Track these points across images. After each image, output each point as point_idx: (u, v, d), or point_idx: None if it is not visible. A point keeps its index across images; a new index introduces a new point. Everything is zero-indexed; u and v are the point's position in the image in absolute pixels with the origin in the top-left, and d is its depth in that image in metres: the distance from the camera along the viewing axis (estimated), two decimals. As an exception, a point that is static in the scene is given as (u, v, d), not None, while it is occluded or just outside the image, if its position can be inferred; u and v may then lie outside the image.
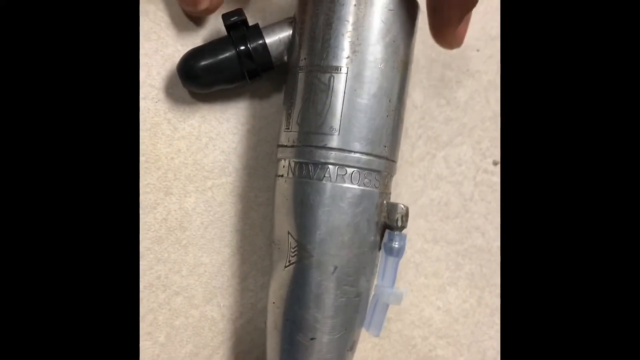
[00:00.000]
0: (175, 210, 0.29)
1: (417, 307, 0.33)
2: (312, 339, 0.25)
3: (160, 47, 0.29)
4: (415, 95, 0.33)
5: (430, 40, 0.33)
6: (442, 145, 0.33)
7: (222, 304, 0.30)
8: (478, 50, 0.33)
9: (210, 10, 0.27)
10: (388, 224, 0.26)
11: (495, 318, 0.34)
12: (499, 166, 0.34)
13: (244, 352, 0.30)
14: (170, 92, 0.29)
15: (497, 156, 0.34)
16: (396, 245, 0.26)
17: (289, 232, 0.25)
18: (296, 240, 0.25)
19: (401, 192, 0.33)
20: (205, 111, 0.29)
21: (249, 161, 0.30)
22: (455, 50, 0.33)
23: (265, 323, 0.27)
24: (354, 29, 0.24)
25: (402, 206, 0.26)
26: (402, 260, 0.32)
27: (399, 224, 0.25)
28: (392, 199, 0.32)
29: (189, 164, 0.29)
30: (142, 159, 0.29)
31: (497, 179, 0.34)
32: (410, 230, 0.33)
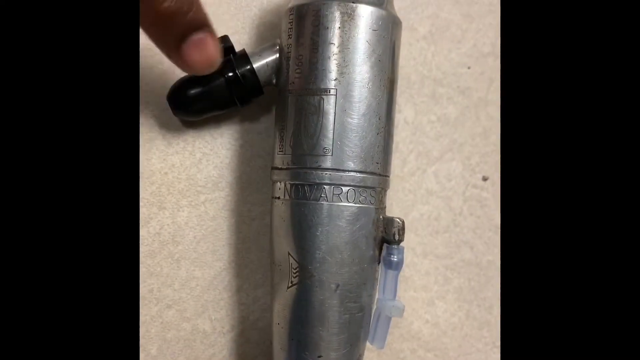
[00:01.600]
0: (168, 225, 0.29)
1: (406, 320, 0.33)
2: (319, 356, 0.25)
3: (156, 64, 0.29)
4: (406, 111, 0.33)
5: (422, 57, 0.34)
6: (433, 160, 0.34)
7: (213, 317, 0.30)
8: (469, 68, 0.34)
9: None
10: (386, 238, 0.26)
11: (484, 331, 0.34)
12: (488, 182, 0.34)
13: (234, 365, 0.31)
14: (164, 107, 0.29)
15: (487, 172, 0.34)
16: (395, 259, 0.26)
17: (289, 253, 0.25)
18: (297, 261, 0.25)
19: (392, 207, 0.33)
20: (199, 127, 0.30)
21: (242, 176, 0.30)
22: (446, 67, 0.34)
23: (271, 343, 0.27)
24: (340, 51, 0.25)
25: (399, 220, 0.26)
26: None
27: (396, 237, 0.26)
28: (383, 214, 0.33)
29: (182, 179, 0.30)
30: (136, 173, 0.29)
31: (486, 194, 0.34)
32: (400, 245, 0.33)
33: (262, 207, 0.31)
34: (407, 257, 0.33)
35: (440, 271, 0.34)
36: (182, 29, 0.23)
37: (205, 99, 0.27)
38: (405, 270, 0.33)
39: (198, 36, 0.23)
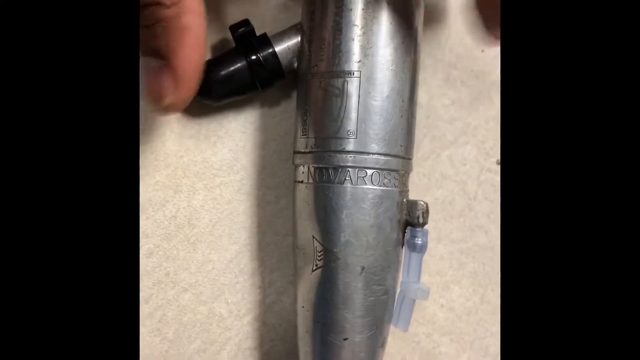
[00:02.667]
0: (184, 208, 0.29)
1: (421, 305, 0.33)
2: (344, 339, 0.25)
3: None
4: (420, 94, 0.33)
5: (435, 40, 0.33)
6: (447, 144, 0.34)
7: (229, 301, 0.30)
8: (483, 51, 0.34)
9: (177, 107, 0.24)
10: (409, 221, 0.26)
11: (498, 316, 0.34)
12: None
13: (251, 349, 0.31)
14: (179, 90, 0.29)
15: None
16: (419, 242, 0.26)
17: (313, 237, 0.25)
18: (322, 244, 0.25)
19: (406, 191, 0.33)
20: (214, 110, 0.30)
21: (257, 159, 0.30)
22: (460, 51, 0.34)
23: (296, 327, 0.27)
24: (363, 33, 0.24)
25: (422, 203, 0.26)
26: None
27: (420, 220, 0.26)
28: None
29: (197, 162, 0.30)
30: (151, 156, 0.29)
31: (500, 178, 0.34)
32: (415, 229, 0.33)
33: (277, 191, 0.31)
34: (422, 241, 0.33)
35: (455, 255, 0.34)
36: (144, 41, 0.22)
37: (227, 83, 0.26)
38: (420, 255, 0.33)
39: (152, 64, 0.23)
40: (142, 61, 0.23)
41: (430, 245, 0.34)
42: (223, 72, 0.26)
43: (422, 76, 0.33)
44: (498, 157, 0.34)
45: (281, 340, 0.31)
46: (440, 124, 0.33)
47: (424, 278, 0.33)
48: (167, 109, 0.24)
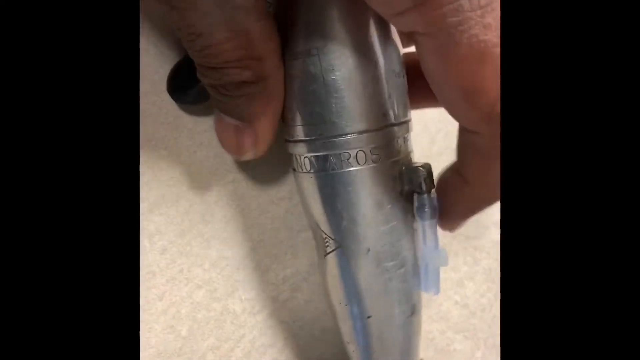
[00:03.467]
0: (197, 204, 0.29)
1: (435, 302, 0.33)
2: (368, 317, 0.25)
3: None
4: (434, 89, 0.33)
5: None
6: (461, 140, 0.33)
7: (243, 297, 0.30)
8: (497, 45, 0.33)
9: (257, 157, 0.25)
10: (413, 189, 0.25)
11: (512, 312, 0.34)
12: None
13: (265, 346, 0.30)
14: (193, 85, 0.29)
15: (515, 151, 0.34)
16: (427, 209, 0.25)
17: (317, 224, 0.25)
18: (324, 232, 0.25)
19: (420, 187, 0.33)
20: (228, 104, 0.29)
21: (270, 155, 0.30)
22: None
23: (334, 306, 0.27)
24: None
25: (422, 169, 0.24)
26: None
27: (424, 187, 0.24)
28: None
29: (210, 157, 0.29)
30: (164, 152, 0.28)
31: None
32: (429, 225, 0.33)
33: (290, 187, 0.30)
34: (436, 237, 0.33)
35: (469, 252, 0.33)
36: (222, 102, 0.23)
37: (194, 86, 0.26)
38: (434, 251, 0.33)
39: (231, 122, 0.23)
40: (219, 116, 0.24)
41: (444, 241, 0.33)
42: (189, 75, 0.24)
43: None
44: (512, 152, 0.34)
45: (295, 338, 0.31)
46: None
47: (438, 274, 0.33)
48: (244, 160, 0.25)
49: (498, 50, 0.18)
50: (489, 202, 0.25)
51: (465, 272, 0.33)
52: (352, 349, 0.27)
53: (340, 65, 0.22)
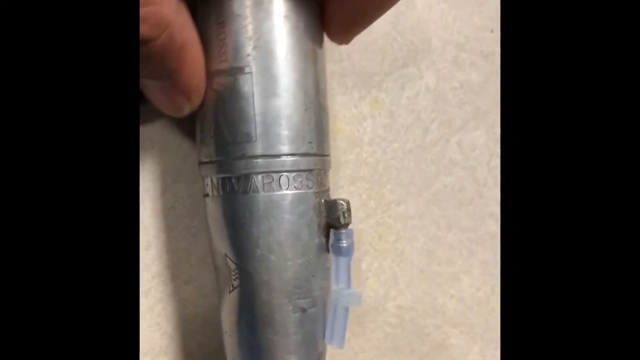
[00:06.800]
0: (183, 198, 0.28)
1: (430, 296, 0.32)
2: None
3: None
4: (428, 77, 0.32)
5: (443, 21, 0.32)
6: (456, 129, 0.32)
7: (232, 294, 0.29)
8: (492, 31, 0.32)
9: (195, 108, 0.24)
10: (330, 223, 0.24)
11: (509, 306, 0.33)
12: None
13: (255, 343, 0.30)
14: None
15: (512, 141, 0.33)
16: (344, 244, 0.24)
17: (226, 255, 0.23)
18: (235, 263, 0.23)
19: (414, 179, 0.32)
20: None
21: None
22: (469, 31, 0.32)
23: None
24: (250, 22, 0.22)
25: (342, 202, 0.24)
26: (415, 248, 0.32)
27: (342, 221, 0.24)
28: (404, 186, 0.31)
29: (196, 150, 0.28)
30: (148, 144, 0.28)
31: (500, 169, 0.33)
32: (424, 217, 0.32)
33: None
34: (431, 230, 0.32)
35: (465, 244, 0.33)
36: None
37: None
38: (429, 244, 0.32)
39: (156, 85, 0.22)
40: (144, 82, 0.22)
41: (439, 234, 0.33)
42: None
43: (430, 58, 0.32)
44: (509, 142, 0.33)
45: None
46: (448, 108, 0.32)
47: (433, 268, 0.32)
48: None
49: None
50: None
51: (461, 266, 0.32)
52: None
53: (273, 86, 0.22)
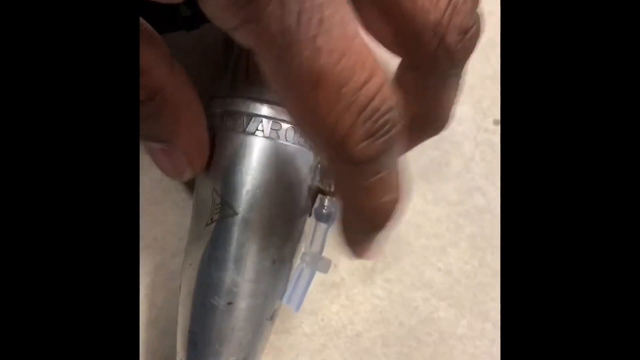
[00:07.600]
0: (170, 171, 0.29)
1: (418, 269, 0.33)
2: (229, 303, 0.23)
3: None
4: (413, 53, 0.32)
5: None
6: (442, 104, 0.32)
7: (220, 266, 0.30)
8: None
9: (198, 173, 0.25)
10: (321, 188, 0.24)
11: (498, 280, 0.33)
12: (499, 126, 0.33)
13: (243, 315, 0.30)
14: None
15: (498, 115, 0.33)
16: (325, 212, 0.24)
17: (214, 189, 0.23)
18: (220, 196, 0.23)
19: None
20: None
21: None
22: (454, 7, 0.32)
23: (179, 288, 0.25)
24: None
25: None
26: (402, 222, 0.32)
27: (332, 188, 0.24)
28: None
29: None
30: (135, 119, 0.28)
31: (497, 138, 0.33)
32: (410, 191, 0.32)
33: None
34: (418, 204, 0.32)
35: (452, 218, 0.33)
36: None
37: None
38: (416, 218, 0.32)
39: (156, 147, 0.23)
40: (144, 144, 0.23)
41: (426, 207, 0.33)
42: None
43: (415, 34, 0.32)
44: (495, 117, 0.33)
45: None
46: (434, 83, 0.32)
47: (420, 241, 0.32)
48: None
49: (334, 76, 0.15)
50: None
51: (449, 239, 0.33)
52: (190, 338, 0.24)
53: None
